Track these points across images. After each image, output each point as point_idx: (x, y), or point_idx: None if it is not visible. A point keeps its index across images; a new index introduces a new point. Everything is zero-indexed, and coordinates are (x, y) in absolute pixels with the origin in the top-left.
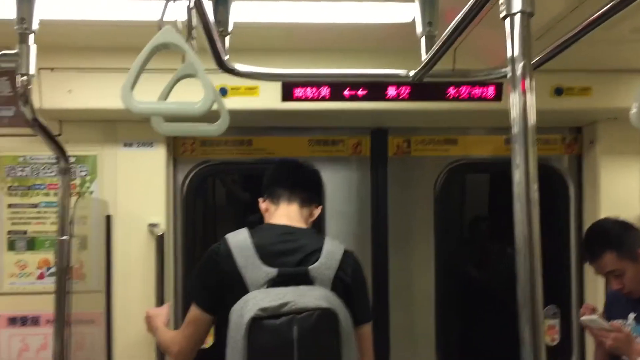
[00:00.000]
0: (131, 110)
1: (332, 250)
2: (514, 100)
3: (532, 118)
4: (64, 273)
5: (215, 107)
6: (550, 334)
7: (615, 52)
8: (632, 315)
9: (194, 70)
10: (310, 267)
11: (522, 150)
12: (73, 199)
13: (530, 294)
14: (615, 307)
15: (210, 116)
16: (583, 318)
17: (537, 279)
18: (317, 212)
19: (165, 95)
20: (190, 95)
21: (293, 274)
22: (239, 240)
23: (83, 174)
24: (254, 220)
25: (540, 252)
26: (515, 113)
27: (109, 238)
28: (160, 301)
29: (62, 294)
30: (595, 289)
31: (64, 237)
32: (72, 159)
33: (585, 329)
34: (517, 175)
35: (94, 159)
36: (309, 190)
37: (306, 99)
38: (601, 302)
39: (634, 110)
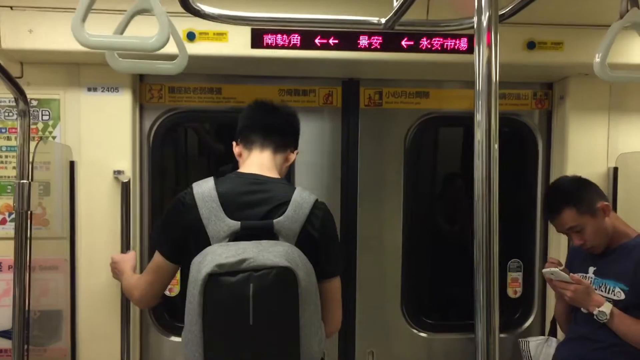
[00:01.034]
0: (82, 43)
1: (300, 203)
2: (478, 54)
3: (495, 72)
4: (23, 217)
5: (174, 50)
6: (513, 286)
7: (588, 6)
8: (592, 269)
9: (149, 4)
10: (275, 220)
11: (484, 106)
12: (34, 143)
13: (486, 250)
14: (577, 261)
15: (173, 59)
16: (545, 270)
17: (494, 235)
18: (292, 157)
19: (121, 30)
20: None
21: (257, 227)
22: (204, 190)
23: (46, 118)
24: (225, 170)
25: (497, 210)
26: (479, 66)
27: (73, 184)
28: (125, 248)
29: (21, 239)
30: (559, 243)
31: (24, 181)
32: (34, 102)
33: (547, 282)
34: (479, 134)
35: (57, 103)
36: (284, 135)
37: (276, 47)
38: (564, 256)
39: (597, 60)
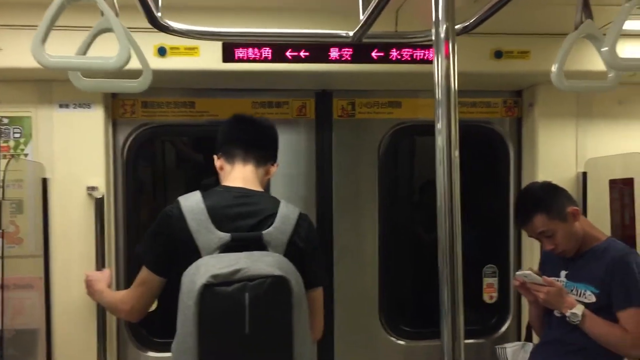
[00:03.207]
0: (42, 64)
1: (286, 215)
2: (437, 64)
3: (454, 82)
4: None
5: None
6: (488, 292)
7: (553, 15)
8: (563, 273)
9: (110, 24)
10: (264, 232)
11: (444, 115)
12: (4, 161)
13: (449, 255)
14: (548, 265)
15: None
16: (518, 273)
17: (457, 241)
18: (273, 169)
19: (84, 50)
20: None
21: (246, 238)
22: (192, 203)
23: (17, 135)
24: (208, 184)
25: (460, 216)
26: (437, 77)
27: (46, 201)
28: (100, 265)
29: None
30: (532, 247)
31: None
32: (5, 120)
33: (516, 288)
34: (440, 140)
35: (29, 120)
36: (264, 148)
37: (248, 60)
38: (537, 260)
39: (553, 70)
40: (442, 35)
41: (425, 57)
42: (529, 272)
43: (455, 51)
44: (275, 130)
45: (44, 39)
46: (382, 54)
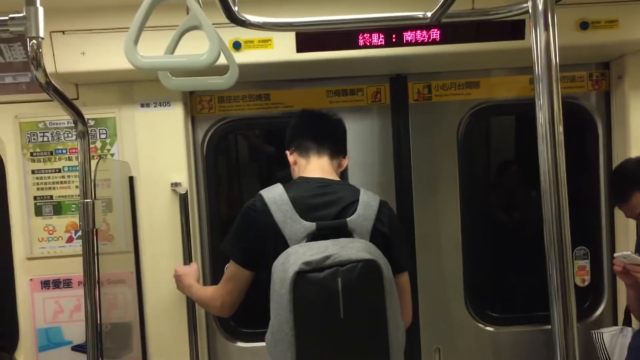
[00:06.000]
0: (135, 66)
1: (368, 202)
2: (535, 38)
3: (555, 55)
4: (89, 235)
5: (224, 61)
6: (580, 275)
7: None
8: None
9: (198, 21)
10: (349, 219)
11: (545, 90)
12: (94, 162)
13: (557, 236)
14: None
15: (223, 71)
16: (617, 254)
17: (565, 221)
18: (345, 162)
19: (172, 49)
20: (202, 50)
21: (332, 227)
22: (275, 195)
23: (103, 136)
24: (283, 176)
25: (566, 194)
26: (537, 51)
27: (134, 199)
28: (188, 259)
29: (89, 256)
30: (627, 227)
31: (87, 200)
32: (91, 122)
33: (616, 273)
34: (541, 117)
35: (113, 121)
36: (336, 141)
37: (322, 49)
38: (632, 242)
39: None
40: (540, 7)
41: (505, 34)
42: (628, 252)
43: (555, 23)
44: (343, 124)
45: (136, 41)
46: (461, 33)
